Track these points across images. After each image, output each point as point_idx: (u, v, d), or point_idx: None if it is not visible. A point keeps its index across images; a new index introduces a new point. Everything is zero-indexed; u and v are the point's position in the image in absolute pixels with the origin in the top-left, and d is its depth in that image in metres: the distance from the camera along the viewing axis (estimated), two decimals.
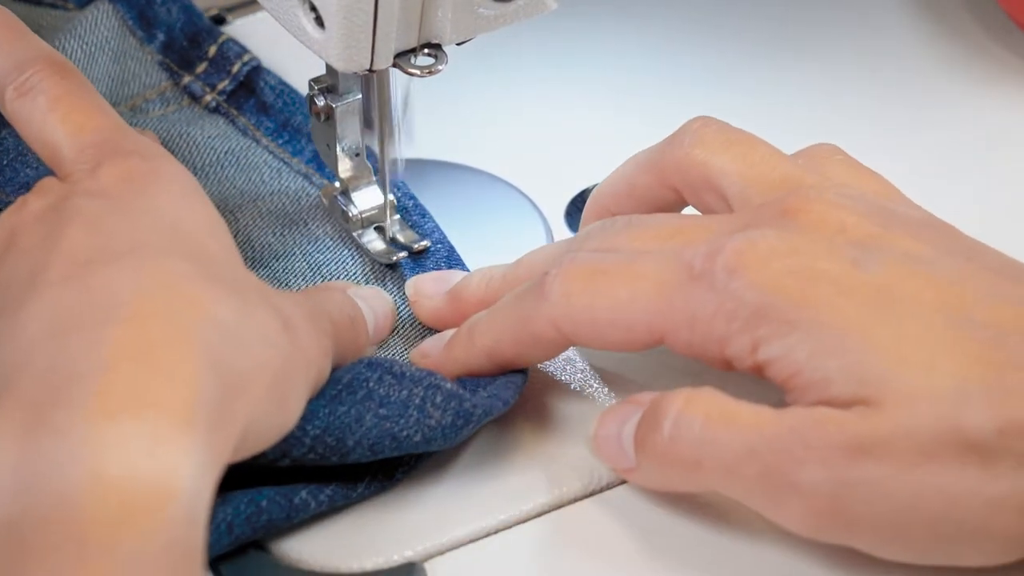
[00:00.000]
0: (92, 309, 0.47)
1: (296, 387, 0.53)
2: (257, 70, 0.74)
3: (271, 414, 0.51)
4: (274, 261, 0.67)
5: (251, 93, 0.74)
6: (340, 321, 0.58)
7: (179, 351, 0.46)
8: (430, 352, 0.60)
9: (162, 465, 0.44)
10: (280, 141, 0.72)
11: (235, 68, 0.74)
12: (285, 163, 0.71)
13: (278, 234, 0.68)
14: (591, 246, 0.57)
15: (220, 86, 0.74)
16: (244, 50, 0.75)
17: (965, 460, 0.49)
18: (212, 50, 0.75)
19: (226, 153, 0.72)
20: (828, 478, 0.50)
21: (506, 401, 0.58)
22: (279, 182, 0.71)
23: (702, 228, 0.56)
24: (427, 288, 0.63)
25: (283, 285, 0.66)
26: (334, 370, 0.57)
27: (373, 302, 0.62)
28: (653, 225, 0.57)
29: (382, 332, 0.62)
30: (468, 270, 0.65)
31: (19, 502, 0.43)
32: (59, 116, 0.57)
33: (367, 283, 0.66)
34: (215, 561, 0.54)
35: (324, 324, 0.56)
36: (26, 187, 0.65)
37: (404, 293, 0.65)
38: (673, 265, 0.54)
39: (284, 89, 0.74)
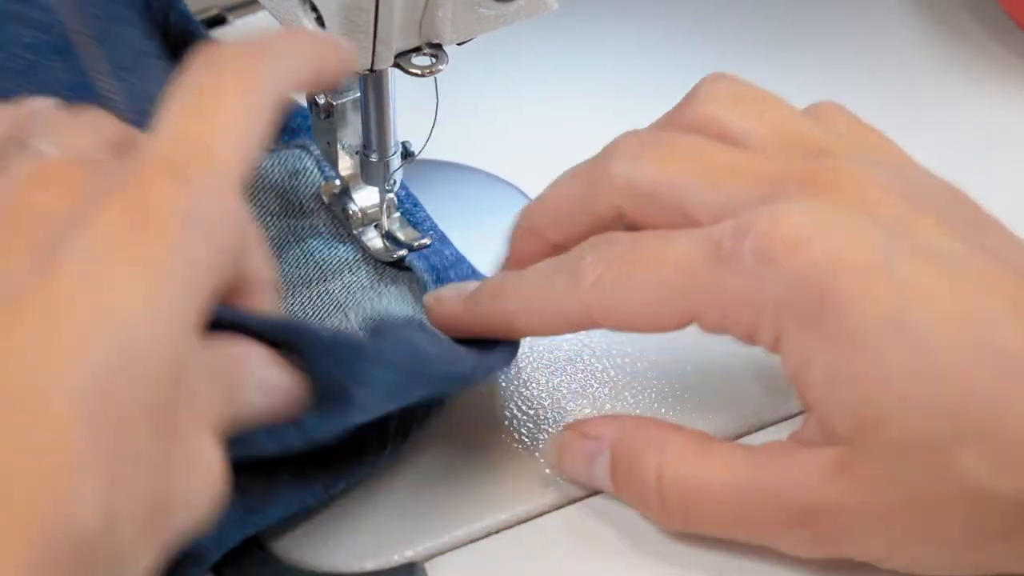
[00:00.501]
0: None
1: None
2: None
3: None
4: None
5: None
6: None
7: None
8: (446, 298, 0.59)
9: None
10: (277, 142, 0.72)
11: None
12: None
13: (277, 229, 0.68)
14: (622, 243, 0.56)
15: None
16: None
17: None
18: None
19: None
20: (808, 536, 0.52)
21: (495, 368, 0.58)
22: (280, 178, 0.71)
23: (735, 183, 0.55)
24: (447, 295, 0.61)
25: (283, 283, 0.66)
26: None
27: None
28: (685, 161, 0.57)
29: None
30: (468, 268, 0.65)
31: None
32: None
33: (368, 281, 0.66)
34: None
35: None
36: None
37: (403, 293, 0.65)
38: (702, 245, 0.53)
39: None
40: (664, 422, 0.56)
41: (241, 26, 0.77)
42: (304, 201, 0.69)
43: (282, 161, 0.71)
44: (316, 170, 0.70)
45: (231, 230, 0.45)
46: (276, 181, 0.71)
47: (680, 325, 0.54)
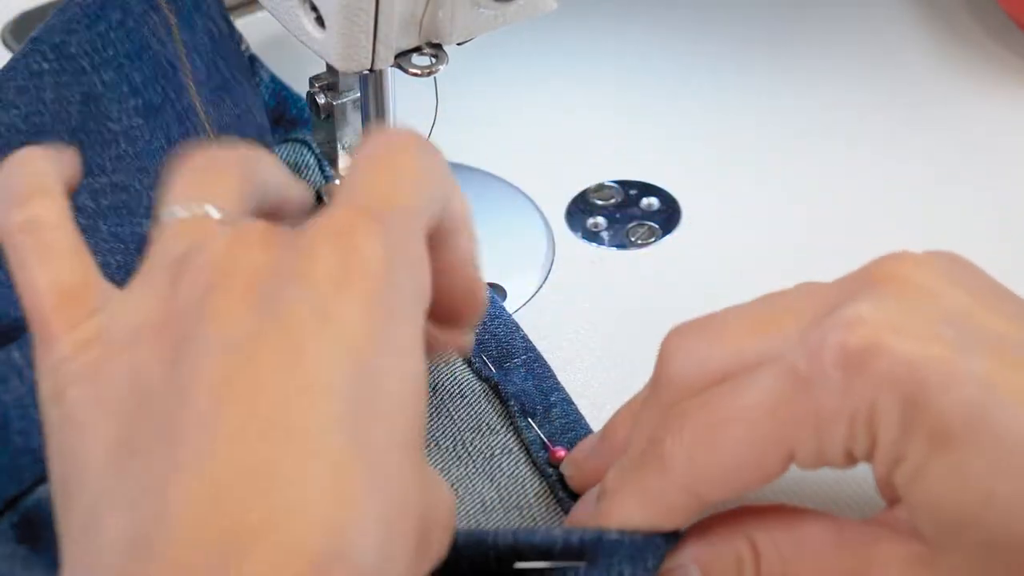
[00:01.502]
0: (238, 513, 0.42)
1: None
2: (252, 61, 0.73)
3: None
4: None
5: None
6: None
7: None
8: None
9: None
10: (275, 136, 0.72)
11: None
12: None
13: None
14: (683, 378, 0.54)
15: None
16: (240, 36, 0.72)
17: None
18: None
19: None
20: None
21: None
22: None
23: (790, 307, 0.53)
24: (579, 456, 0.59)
25: None
26: None
27: None
28: (736, 322, 0.54)
29: None
30: (555, 381, 0.63)
31: None
32: None
33: (451, 383, 0.64)
34: None
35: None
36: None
37: (494, 402, 0.64)
38: (779, 379, 0.51)
39: (276, 87, 0.73)
40: (734, 508, 0.54)
41: (241, 26, 0.76)
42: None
43: (282, 154, 0.71)
44: (316, 167, 0.70)
45: (425, 266, 0.48)
46: None
47: (784, 467, 0.52)
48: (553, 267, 0.69)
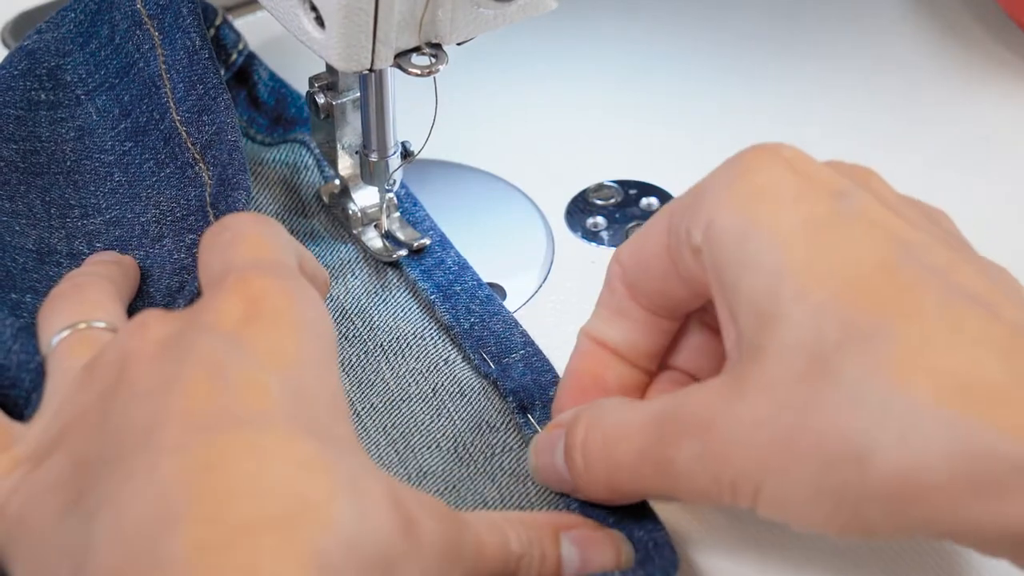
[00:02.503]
0: (204, 501, 0.44)
1: None
2: (251, 58, 0.73)
3: None
4: (353, 358, 0.65)
5: (243, 84, 0.73)
6: (487, 561, 0.52)
7: (289, 567, 0.43)
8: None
9: None
10: (274, 136, 0.72)
11: (232, 58, 0.72)
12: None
13: (359, 326, 0.67)
14: None
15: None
16: (238, 36, 0.73)
17: None
18: (211, 31, 0.72)
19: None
20: (699, 448, 0.51)
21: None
22: (281, 174, 0.70)
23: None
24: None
25: (361, 384, 0.64)
26: None
27: (590, 550, 0.55)
28: None
29: None
30: (554, 375, 0.63)
31: None
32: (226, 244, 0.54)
33: (368, 280, 0.66)
34: None
35: (459, 549, 0.51)
36: None
37: (444, 342, 0.64)
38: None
39: (275, 84, 0.73)
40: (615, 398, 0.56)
41: (241, 26, 0.76)
42: (306, 202, 0.69)
43: (281, 155, 0.71)
44: (316, 167, 0.70)
45: (318, 298, 0.52)
46: (277, 175, 0.70)
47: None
48: (553, 267, 0.69)
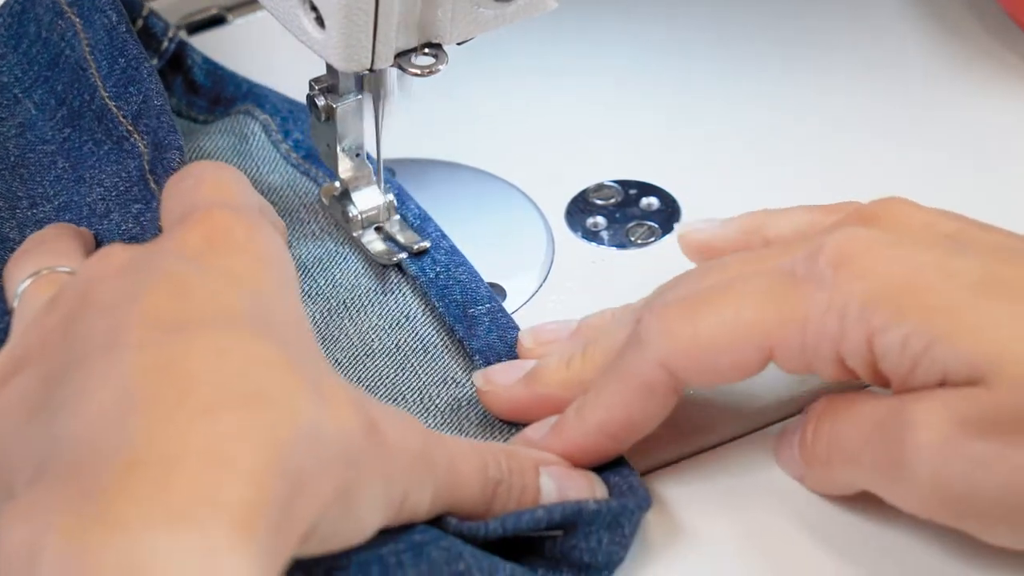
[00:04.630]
0: (167, 387, 0.45)
1: (369, 498, 0.49)
2: (183, 45, 0.74)
3: (337, 521, 0.48)
4: (318, 314, 0.66)
5: (178, 71, 0.74)
6: (461, 478, 0.53)
7: (249, 450, 0.44)
8: (534, 438, 0.58)
9: None
10: (215, 115, 0.73)
11: (163, 45, 0.73)
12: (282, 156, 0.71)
13: (322, 284, 0.67)
14: (674, 293, 0.56)
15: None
16: (167, 25, 0.74)
17: None
18: (139, 23, 0.73)
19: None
20: (933, 455, 0.51)
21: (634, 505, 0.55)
22: (276, 176, 0.70)
23: (789, 245, 0.55)
24: (500, 377, 0.60)
25: (326, 340, 0.65)
26: (442, 520, 0.53)
27: (567, 485, 0.56)
28: (734, 260, 0.56)
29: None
30: (470, 269, 0.65)
31: None
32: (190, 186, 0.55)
33: (367, 282, 0.66)
34: None
35: (429, 459, 0.52)
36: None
37: (406, 297, 0.65)
38: (774, 276, 0.53)
39: (210, 67, 0.74)
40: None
41: (241, 26, 0.77)
42: (307, 204, 0.69)
43: (226, 127, 0.72)
44: (263, 134, 0.71)
45: (278, 237, 0.53)
46: (226, 146, 0.71)
47: (761, 364, 0.53)
48: (553, 267, 0.69)
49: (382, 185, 0.66)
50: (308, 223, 0.68)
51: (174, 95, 0.73)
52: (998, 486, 0.50)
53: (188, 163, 0.60)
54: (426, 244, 0.66)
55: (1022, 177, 0.73)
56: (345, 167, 0.67)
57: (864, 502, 0.56)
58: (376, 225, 0.67)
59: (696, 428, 0.60)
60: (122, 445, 0.43)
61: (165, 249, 0.50)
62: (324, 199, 0.68)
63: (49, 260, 0.57)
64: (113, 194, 0.64)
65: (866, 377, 0.53)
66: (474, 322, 0.63)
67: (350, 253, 0.66)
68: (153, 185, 0.63)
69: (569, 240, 0.70)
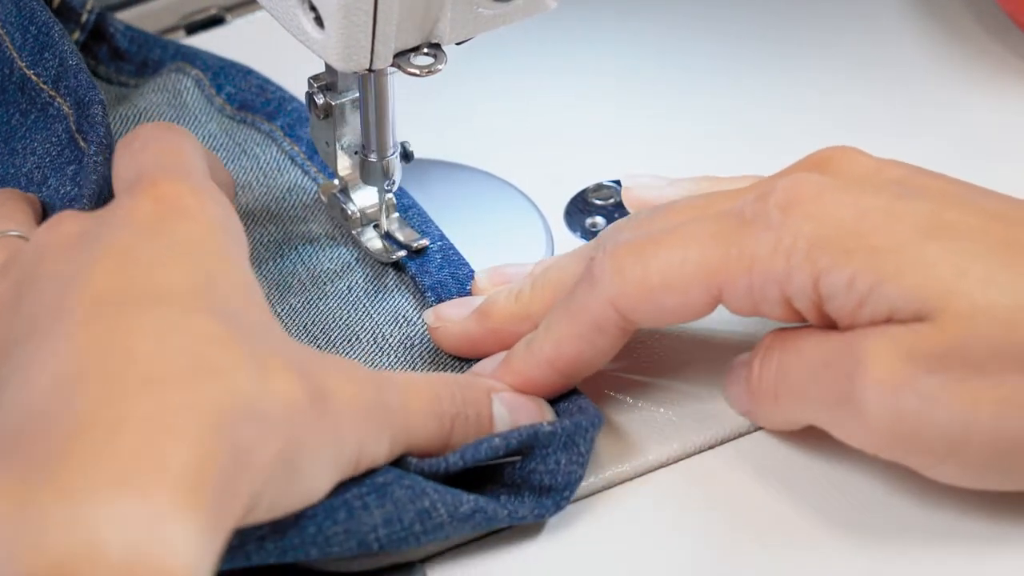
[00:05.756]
0: (110, 360, 0.46)
1: (316, 463, 0.50)
2: (103, 16, 0.75)
3: (283, 488, 0.49)
4: (270, 260, 0.67)
5: (101, 41, 0.75)
6: (417, 418, 0.54)
7: (191, 420, 0.45)
8: (484, 373, 0.59)
9: (162, 544, 0.42)
10: (144, 77, 0.73)
11: (83, 18, 0.74)
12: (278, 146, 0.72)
13: (273, 231, 0.68)
14: (626, 234, 0.57)
15: (73, 37, 0.74)
16: None
17: None
18: (56, 1, 0.74)
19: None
20: (883, 391, 0.51)
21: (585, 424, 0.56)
22: (276, 179, 0.71)
23: (740, 190, 0.56)
24: (450, 313, 0.61)
25: (279, 287, 0.66)
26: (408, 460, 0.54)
27: (520, 411, 0.57)
28: (686, 203, 0.57)
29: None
30: (470, 269, 0.65)
31: (9, 567, 0.41)
32: (135, 151, 0.56)
33: (366, 281, 0.66)
34: None
35: (382, 412, 0.53)
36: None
37: (408, 296, 0.65)
38: (723, 218, 0.54)
39: (133, 33, 0.75)
40: None
41: (240, 26, 0.77)
42: (307, 204, 0.70)
43: (160, 84, 0.72)
44: (196, 88, 0.71)
45: (227, 201, 0.54)
46: (161, 102, 0.71)
47: (710, 305, 0.54)
48: None
49: (387, 184, 0.66)
50: (347, 260, 0.68)
51: (101, 63, 0.74)
52: (946, 421, 0.51)
53: (111, 117, 0.62)
54: (425, 242, 0.66)
55: (1022, 177, 0.73)
56: (344, 165, 0.67)
57: (811, 438, 0.57)
58: (375, 223, 0.67)
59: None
60: (67, 415, 0.44)
61: (114, 219, 0.51)
62: (323, 197, 0.68)
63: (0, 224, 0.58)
64: (47, 160, 0.65)
65: (812, 319, 0.53)
66: (426, 260, 0.65)
67: (351, 254, 0.67)
68: (83, 144, 0.63)
69: (568, 240, 0.70)
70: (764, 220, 0.53)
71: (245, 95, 0.72)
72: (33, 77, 0.67)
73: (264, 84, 0.73)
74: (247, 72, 0.73)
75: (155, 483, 0.43)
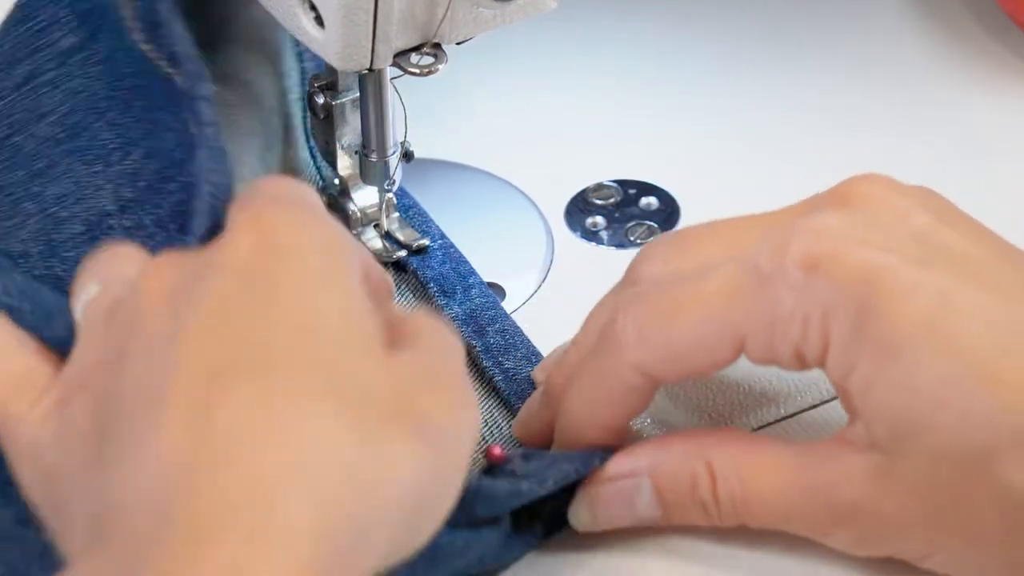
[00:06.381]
0: (211, 450, 0.43)
1: (439, 503, 0.47)
2: None
3: (402, 547, 0.46)
4: None
5: None
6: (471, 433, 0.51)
7: (295, 510, 0.42)
8: (523, 417, 0.59)
9: None
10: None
11: None
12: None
13: None
14: (650, 276, 0.56)
15: None
16: None
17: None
18: None
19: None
20: (852, 535, 0.53)
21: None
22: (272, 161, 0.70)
23: (760, 223, 0.55)
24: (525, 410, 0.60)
25: None
26: None
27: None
28: (708, 236, 0.56)
29: None
30: (471, 267, 0.65)
31: None
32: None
33: None
34: None
35: (472, 426, 0.50)
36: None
37: (409, 295, 0.65)
38: (740, 272, 0.53)
39: None
40: (694, 430, 0.56)
41: None
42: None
43: (262, 39, 0.69)
44: (293, 53, 0.70)
45: (340, 227, 0.51)
46: (261, 73, 0.69)
47: (734, 354, 0.53)
48: (552, 267, 0.69)
49: (387, 183, 0.66)
50: None
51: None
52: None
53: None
54: (425, 241, 0.66)
55: (1021, 177, 0.73)
56: (344, 164, 0.67)
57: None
58: (375, 223, 0.67)
59: None
60: (164, 518, 0.42)
61: (212, 263, 0.48)
62: (323, 196, 0.68)
63: (116, 273, 0.53)
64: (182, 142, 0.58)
65: (817, 367, 0.53)
66: (428, 255, 0.65)
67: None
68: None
69: (569, 240, 0.70)
70: (783, 278, 0.51)
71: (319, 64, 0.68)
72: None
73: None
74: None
75: None
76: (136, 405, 0.45)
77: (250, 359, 0.45)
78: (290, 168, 0.70)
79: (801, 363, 0.53)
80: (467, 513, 0.51)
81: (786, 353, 0.52)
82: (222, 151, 0.54)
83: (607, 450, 0.55)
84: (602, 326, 0.55)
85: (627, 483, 0.55)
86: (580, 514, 0.56)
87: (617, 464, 0.55)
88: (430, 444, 0.46)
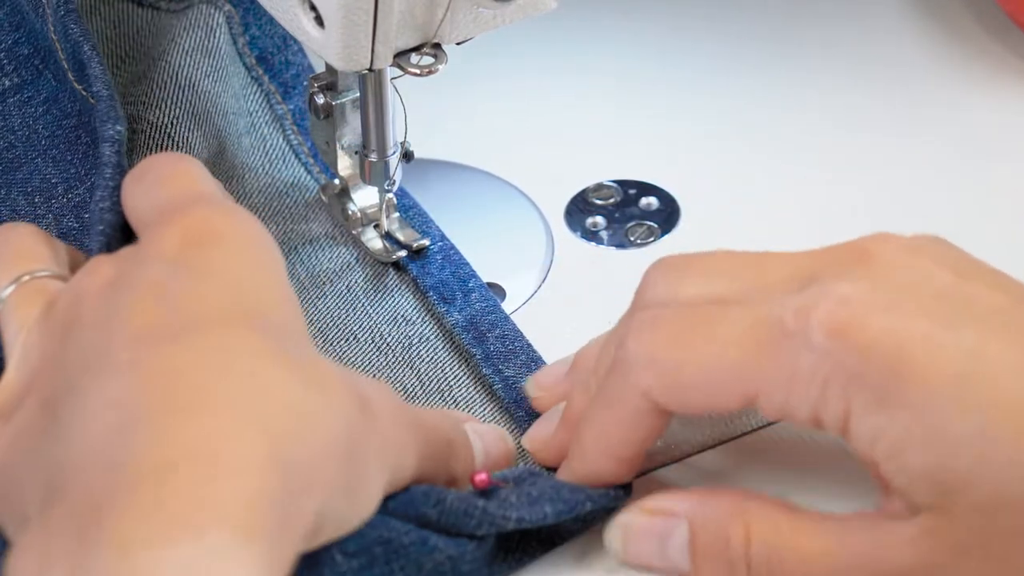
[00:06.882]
0: (154, 398, 0.45)
1: (370, 470, 0.49)
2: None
3: (342, 502, 0.48)
4: None
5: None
6: (433, 434, 0.54)
7: (243, 447, 0.44)
8: (535, 435, 0.59)
9: None
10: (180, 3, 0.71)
11: None
12: (292, 151, 0.71)
13: (273, 230, 0.68)
14: (658, 300, 0.55)
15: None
16: None
17: None
18: None
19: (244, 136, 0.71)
20: None
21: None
22: (280, 171, 0.70)
23: (779, 268, 0.54)
24: (540, 433, 0.59)
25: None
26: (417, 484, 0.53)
27: (488, 439, 0.57)
28: (720, 266, 0.55)
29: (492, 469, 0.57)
30: (471, 268, 0.65)
31: None
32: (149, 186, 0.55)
33: (365, 281, 0.66)
34: None
35: (411, 420, 0.52)
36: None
37: (408, 296, 0.65)
38: (763, 321, 0.52)
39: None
40: (741, 490, 0.55)
41: None
42: (308, 204, 0.69)
43: (194, 21, 0.71)
44: (227, 28, 0.70)
45: (250, 213, 0.53)
46: (194, 46, 0.70)
47: (740, 406, 0.53)
48: (552, 267, 0.69)
49: (387, 183, 0.66)
50: (308, 221, 0.68)
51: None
52: None
53: (146, 61, 0.62)
54: (425, 242, 0.66)
55: (1021, 177, 0.73)
56: (344, 165, 0.67)
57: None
58: (375, 223, 0.67)
59: None
60: (117, 465, 0.43)
61: (145, 256, 0.51)
62: (323, 196, 0.68)
63: (25, 264, 0.56)
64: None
65: (834, 433, 0.52)
66: (427, 260, 0.65)
67: (351, 254, 0.67)
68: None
69: (569, 240, 0.70)
70: (805, 339, 0.51)
71: (267, 42, 0.70)
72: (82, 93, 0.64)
73: (287, 38, 0.71)
74: (272, 20, 0.69)
75: (209, 522, 0.42)
76: (82, 375, 0.47)
77: (188, 320, 0.47)
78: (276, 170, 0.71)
79: (817, 425, 0.52)
80: (456, 525, 0.52)
81: (802, 413, 0.51)
82: (117, 190, 0.57)
83: (624, 487, 0.55)
84: (615, 349, 0.55)
85: (665, 521, 0.54)
86: (613, 541, 0.55)
87: (658, 500, 0.54)
88: (359, 402, 0.49)
